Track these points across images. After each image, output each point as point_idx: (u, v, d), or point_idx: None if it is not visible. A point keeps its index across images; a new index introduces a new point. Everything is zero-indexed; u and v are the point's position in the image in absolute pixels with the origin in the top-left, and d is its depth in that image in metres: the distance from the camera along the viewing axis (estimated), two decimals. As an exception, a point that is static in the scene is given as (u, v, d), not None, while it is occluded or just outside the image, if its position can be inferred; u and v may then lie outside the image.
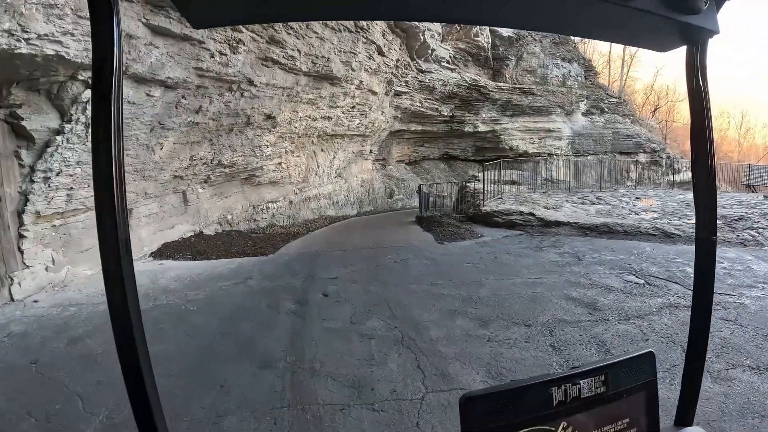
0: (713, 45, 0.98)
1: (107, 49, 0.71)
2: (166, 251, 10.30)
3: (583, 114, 34.29)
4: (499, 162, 16.56)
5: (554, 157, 32.03)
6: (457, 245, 9.90)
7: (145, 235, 10.27)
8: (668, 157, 38.03)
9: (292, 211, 15.58)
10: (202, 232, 11.87)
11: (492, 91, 27.41)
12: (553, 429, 0.76)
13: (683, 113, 51.52)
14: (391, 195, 24.61)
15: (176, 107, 9.53)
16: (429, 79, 23.80)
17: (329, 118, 15.41)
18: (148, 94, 8.72)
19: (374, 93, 17.53)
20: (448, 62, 25.39)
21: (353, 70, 14.74)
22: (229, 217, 13.04)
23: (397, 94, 22.45)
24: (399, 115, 23.33)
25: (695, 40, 0.94)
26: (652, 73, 67.24)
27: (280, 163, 14.09)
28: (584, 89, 36.26)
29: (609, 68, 44.71)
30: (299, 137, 14.50)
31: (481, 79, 26.98)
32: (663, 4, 0.81)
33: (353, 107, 16.54)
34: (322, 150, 16.87)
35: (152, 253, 10.25)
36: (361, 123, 17.83)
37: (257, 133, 12.31)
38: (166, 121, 9.47)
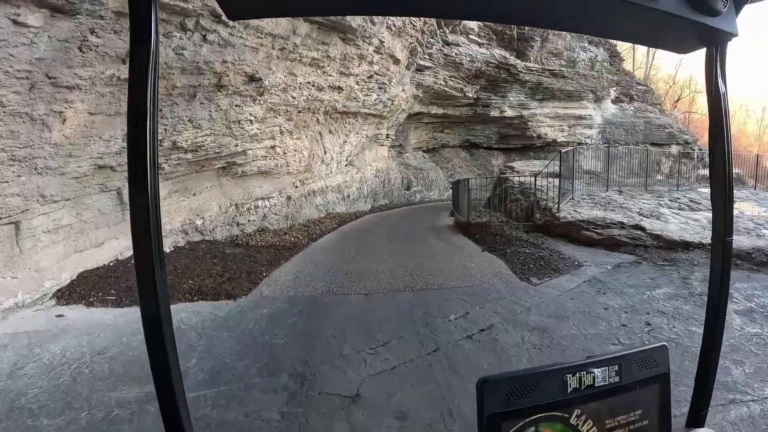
0: (736, 46, 0.95)
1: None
2: (82, 287, 5.90)
3: (612, 101, 29.47)
4: (573, 149, 11.87)
5: (584, 146, 27.34)
6: (556, 286, 5.44)
7: (47, 262, 5.88)
8: (700, 150, 33.29)
9: (291, 209, 11.16)
10: (151, 246, 7.48)
11: (521, 72, 22.66)
12: (566, 416, 0.70)
13: (703, 105, 46.48)
14: (408, 187, 20.11)
15: (81, 50, 5.11)
16: (456, 54, 19.08)
17: (340, 89, 10.86)
18: (16, 22, 4.29)
19: (396, 61, 12.92)
20: (476, 35, 20.62)
21: (373, 23, 10.16)
22: (200, 222, 8.64)
23: (419, 69, 17.81)
24: (420, 95, 18.69)
25: (714, 43, 0.89)
26: (670, 62, 61.95)
27: (273, 147, 9.63)
28: (613, 74, 31.42)
29: (633, 55, 39.59)
30: (299, 112, 10.00)
31: (510, 58, 22.22)
32: (682, 6, 0.77)
33: (370, 77, 11.96)
34: (330, 132, 12.35)
35: (59, 290, 5.86)
36: (379, 99, 13.25)
37: (235, 102, 7.82)
38: (62, 73, 5.04)
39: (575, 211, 8.70)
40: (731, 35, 0.84)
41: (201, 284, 6.02)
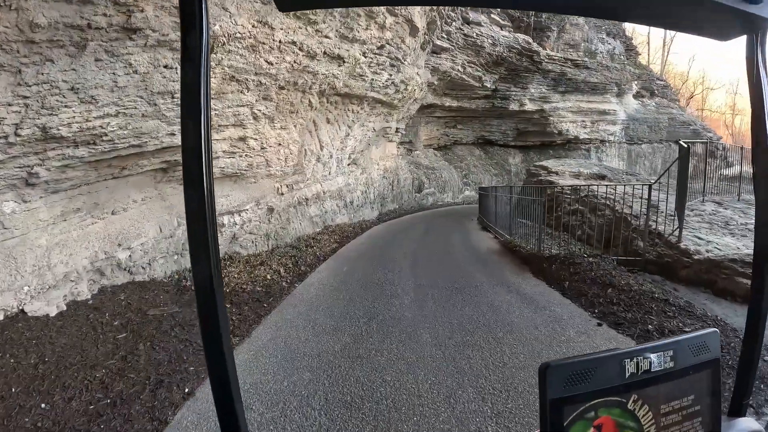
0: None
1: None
2: None
3: (633, 96, 26.06)
4: (689, 146, 8.22)
5: (607, 144, 23.96)
6: None
7: None
8: (724, 149, 29.94)
9: (274, 224, 7.83)
10: (22, 311, 4.20)
11: (544, 60, 19.25)
12: (624, 401, 0.66)
13: (715, 103, 43.58)
14: (419, 189, 16.76)
15: None
16: (477, 35, 15.66)
17: (340, 60, 7.50)
18: None
19: (413, 30, 9.54)
20: (498, 15, 17.20)
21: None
22: (125, 255, 5.30)
23: (435, 51, 14.43)
24: (435, 82, 15.30)
25: (755, 30, 0.80)
26: (683, 59, 58.86)
27: (242, 139, 6.30)
28: (635, 67, 28.03)
29: (648, 49, 36.16)
30: (281, 89, 6.63)
31: (533, 43, 18.80)
32: None
33: (381, 47, 8.58)
34: (329, 121, 8.98)
35: None
36: (391, 80, 9.87)
37: (161, 59, 4.44)
38: None
39: (699, 239, 5.37)
40: None
41: (62, 412, 2.74)
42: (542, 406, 0.63)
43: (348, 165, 11.27)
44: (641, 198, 6.93)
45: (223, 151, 6.03)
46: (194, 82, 0.60)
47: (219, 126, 5.58)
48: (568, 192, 9.04)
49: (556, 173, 12.27)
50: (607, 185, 6.31)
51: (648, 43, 35.93)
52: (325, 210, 9.74)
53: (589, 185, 7.75)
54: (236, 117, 5.78)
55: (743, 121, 44.10)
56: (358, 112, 9.88)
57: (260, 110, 6.29)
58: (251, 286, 5.41)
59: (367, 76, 8.60)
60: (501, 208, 8.66)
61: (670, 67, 38.38)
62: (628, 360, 0.67)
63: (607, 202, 7.29)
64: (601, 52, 26.59)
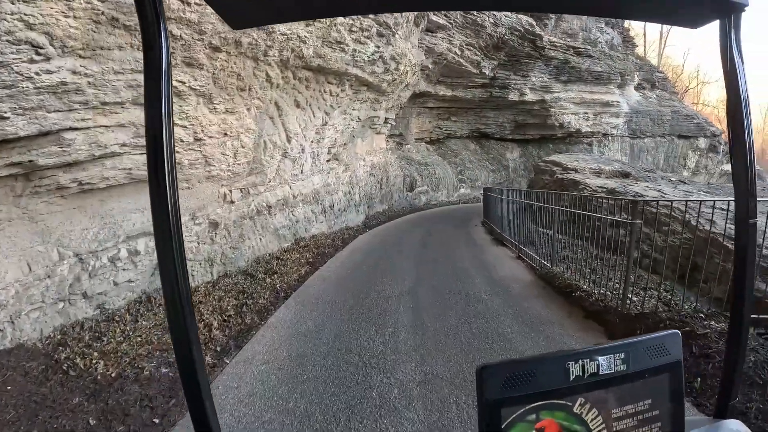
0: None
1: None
2: None
3: (635, 88, 24.33)
4: None
5: (609, 138, 22.18)
6: None
7: None
8: (725, 144, 28.50)
9: (221, 244, 5.69)
10: None
11: (547, 46, 17.27)
12: (569, 404, 0.63)
13: (708, 97, 42.40)
14: (411, 187, 14.68)
15: None
16: (477, 12, 13.58)
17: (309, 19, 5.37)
18: None
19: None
20: (499, -9, 15.10)
21: None
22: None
23: (429, 30, 12.34)
24: (429, 66, 13.15)
25: (726, 14, 0.77)
26: (678, 52, 57.69)
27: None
28: (636, 58, 26.32)
29: (645, 41, 34.51)
30: (215, 51, 4.45)
31: (536, 26, 16.76)
32: None
33: (368, 7, 6.49)
34: (298, 104, 6.81)
35: None
36: (379, 53, 7.72)
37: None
38: None
39: None
40: (742, 5, 0.75)
41: None
42: (480, 408, 0.60)
43: (327, 161, 9.12)
44: (722, 210, 4.97)
45: (123, 145, 3.85)
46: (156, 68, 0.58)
47: (101, 104, 3.38)
48: (609, 198, 7.04)
49: (575, 170, 10.35)
50: (729, 201, 4.16)
51: (645, 35, 34.27)
52: (296, 219, 7.61)
53: (707, 203, 5.75)
54: (136, 90, 3.60)
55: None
56: (338, 95, 7.72)
57: (184, 82, 4.12)
58: (155, 363, 3.29)
59: (347, 45, 6.43)
60: (532, 223, 6.62)
61: (667, 60, 36.87)
62: (573, 362, 0.63)
63: (674, 214, 5.31)
64: (600, 42, 24.81)
